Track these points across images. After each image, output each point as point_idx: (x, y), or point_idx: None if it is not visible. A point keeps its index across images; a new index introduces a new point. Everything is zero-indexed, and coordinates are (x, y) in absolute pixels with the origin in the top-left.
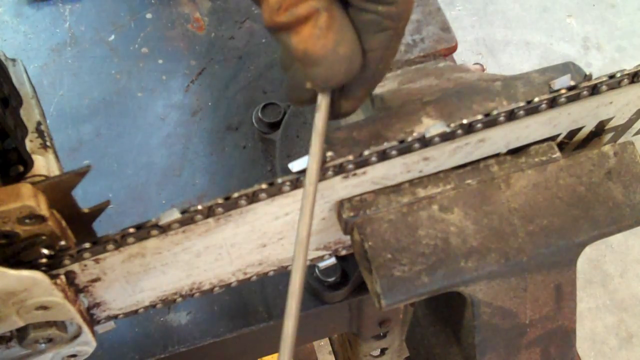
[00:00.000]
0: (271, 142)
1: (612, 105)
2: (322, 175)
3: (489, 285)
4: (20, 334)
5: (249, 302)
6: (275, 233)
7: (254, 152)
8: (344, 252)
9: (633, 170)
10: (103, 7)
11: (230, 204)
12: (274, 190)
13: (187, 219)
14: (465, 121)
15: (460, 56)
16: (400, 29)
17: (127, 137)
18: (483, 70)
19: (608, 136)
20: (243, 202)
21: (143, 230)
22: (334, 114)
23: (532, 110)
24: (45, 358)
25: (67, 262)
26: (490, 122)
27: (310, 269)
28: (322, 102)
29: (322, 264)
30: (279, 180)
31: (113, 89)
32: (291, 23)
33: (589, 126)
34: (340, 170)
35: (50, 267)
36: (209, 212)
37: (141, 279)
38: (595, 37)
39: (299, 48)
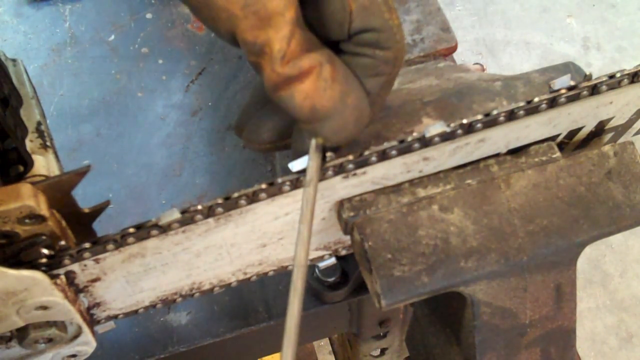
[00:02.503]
0: None
1: (612, 105)
2: (322, 175)
3: (489, 285)
4: (20, 334)
5: (249, 302)
6: (275, 233)
7: (254, 152)
8: (344, 252)
9: (633, 170)
10: (103, 7)
11: (230, 204)
12: (274, 190)
13: (187, 219)
14: (465, 121)
15: (460, 56)
16: (394, 74)
17: (127, 137)
18: (483, 70)
19: (608, 136)
20: (243, 202)
21: (143, 230)
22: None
23: (532, 110)
24: (45, 358)
25: (67, 262)
26: (490, 122)
27: (310, 269)
28: (314, 152)
29: (322, 264)
30: (279, 180)
31: (113, 89)
32: (294, 76)
33: (589, 126)
34: (340, 170)
35: (50, 267)
36: (209, 212)
37: (141, 279)
38: (595, 37)
39: (304, 105)
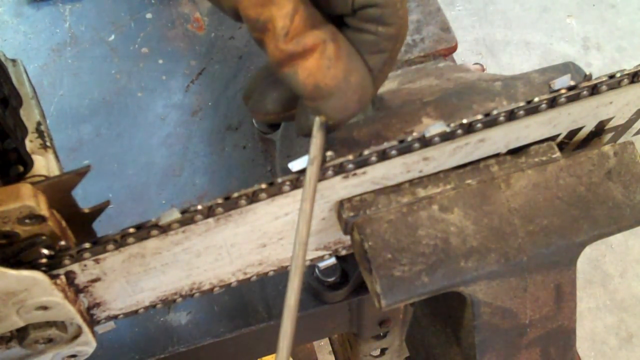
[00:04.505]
0: (271, 142)
1: (612, 105)
2: (322, 175)
3: (489, 285)
4: (20, 334)
5: (249, 302)
6: (275, 233)
7: (254, 152)
8: (344, 252)
9: (633, 170)
10: (103, 7)
11: (230, 204)
12: (274, 190)
13: (187, 219)
14: (465, 121)
15: (460, 56)
16: (396, 51)
17: (127, 137)
18: (483, 70)
19: (608, 136)
20: (243, 202)
21: (143, 230)
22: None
23: (532, 110)
24: (46, 358)
25: (67, 262)
26: (490, 122)
27: (310, 269)
28: (318, 130)
29: (322, 264)
30: (279, 180)
31: (113, 89)
32: (298, 53)
33: (589, 126)
34: (340, 170)
35: (50, 267)
36: (209, 212)
37: (141, 279)
38: (595, 37)
39: (307, 82)
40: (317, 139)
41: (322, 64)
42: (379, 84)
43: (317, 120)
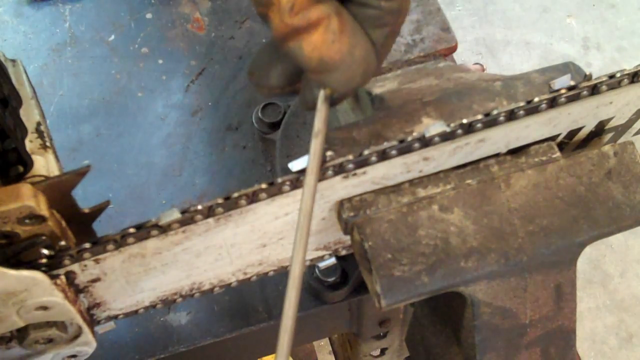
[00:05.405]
0: (271, 142)
1: (612, 105)
2: (322, 175)
3: (489, 285)
4: (21, 335)
5: (249, 302)
6: (275, 233)
7: (254, 152)
8: (344, 252)
9: (633, 170)
10: (103, 7)
11: (230, 204)
12: (274, 190)
13: (187, 219)
14: (465, 121)
15: (460, 56)
16: (398, 25)
17: (127, 137)
18: (483, 70)
19: (608, 136)
20: (243, 202)
21: (143, 230)
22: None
23: (532, 110)
24: (46, 358)
25: (67, 262)
26: (490, 122)
27: (310, 269)
28: (322, 103)
29: (322, 264)
30: (279, 180)
31: (113, 89)
32: (302, 27)
33: (589, 126)
34: (340, 170)
35: (50, 267)
36: (209, 212)
37: (141, 279)
38: (595, 37)
39: (312, 56)
40: (321, 112)
41: (326, 38)
42: (382, 58)
43: (322, 93)
